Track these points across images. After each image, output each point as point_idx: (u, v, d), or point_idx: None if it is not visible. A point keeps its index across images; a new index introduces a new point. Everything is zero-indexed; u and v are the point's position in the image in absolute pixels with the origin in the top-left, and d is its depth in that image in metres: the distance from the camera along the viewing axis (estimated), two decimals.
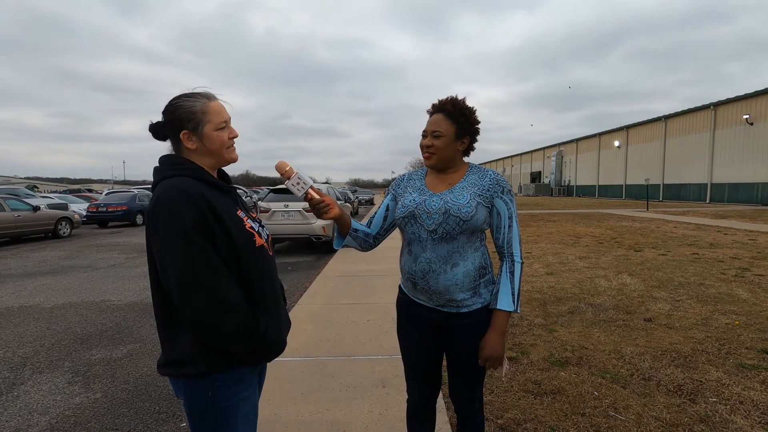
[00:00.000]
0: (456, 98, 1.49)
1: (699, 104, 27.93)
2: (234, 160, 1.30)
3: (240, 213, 1.25)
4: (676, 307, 4.35)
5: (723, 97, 26.05)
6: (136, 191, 18.41)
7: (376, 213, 1.65)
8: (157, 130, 1.26)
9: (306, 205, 9.80)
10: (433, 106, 1.51)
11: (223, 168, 1.35)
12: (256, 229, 1.26)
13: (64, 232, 13.13)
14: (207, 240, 1.11)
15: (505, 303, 1.43)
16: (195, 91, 1.26)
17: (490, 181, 1.47)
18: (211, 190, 1.20)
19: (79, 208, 17.77)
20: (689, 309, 4.29)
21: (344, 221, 1.53)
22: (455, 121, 1.46)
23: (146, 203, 15.44)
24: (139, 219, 16.58)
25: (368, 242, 1.62)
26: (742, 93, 24.61)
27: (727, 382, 2.73)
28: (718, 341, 3.43)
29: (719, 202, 25.30)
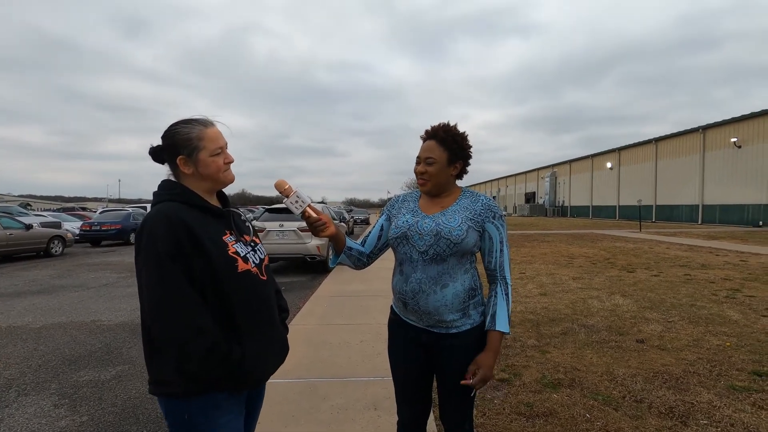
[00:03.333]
0: (447, 125, 1.54)
1: (689, 127, 28.54)
2: (230, 181, 1.33)
3: (228, 237, 1.26)
4: (668, 329, 4.37)
5: (712, 121, 26.65)
6: (130, 210, 18.34)
7: (370, 232, 1.68)
8: (157, 154, 1.30)
9: (301, 224, 9.74)
10: (426, 132, 1.55)
11: (223, 190, 1.38)
12: (242, 254, 1.27)
13: (56, 251, 13.02)
14: (180, 266, 1.13)
15: (502, 325, 1.45)
16: (193, 117, 1.30)
17: (482, 206, 1.51)
18: (200, 214, 1.23)
19: (72, 226, 17.66)
20: (681, 330, 4.31)
21: (340, 240, 1.56)
22: (447, 148, 1.50)
23: (140, 222, 15.49)
24: (133, 238, 16.50)
25: (362, 261, 1.65)
26: (729, 117, 25.22)
27: (719, 405, 2.73)
28: (709, 363, 3.44)
29: (711, 223, 25.57)
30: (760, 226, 21.62)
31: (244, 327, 1.23)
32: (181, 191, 1.25)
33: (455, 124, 1.55)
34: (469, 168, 1.59)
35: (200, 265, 1.17)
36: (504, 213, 1.55)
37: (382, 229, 1.65)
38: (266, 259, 1.40)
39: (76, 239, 15.30)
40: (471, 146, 1.56)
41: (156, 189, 1.29)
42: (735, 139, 24.31)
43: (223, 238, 1.25)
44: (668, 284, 6.70)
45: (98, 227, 16.24)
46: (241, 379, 1.21)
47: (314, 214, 1.39)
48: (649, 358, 3.55)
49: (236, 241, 1.28)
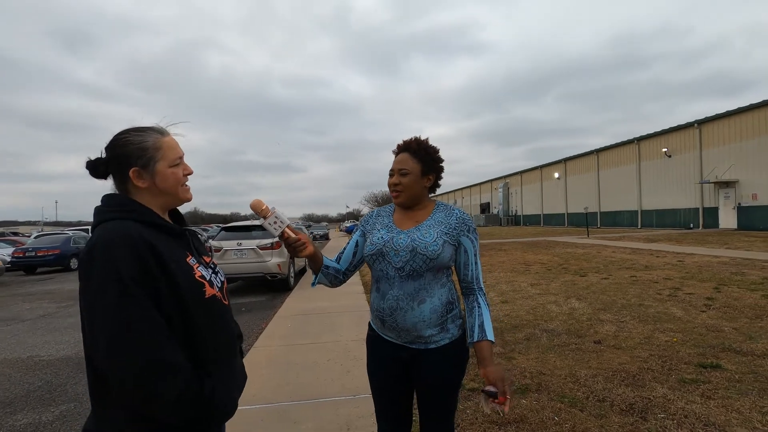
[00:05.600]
0: (420, 138, 1.57)
1: (626, 139, 30.79)
2: (188, 200, 1.22)
3: (190, 260, 1.14)
4: (621, 328, 4.62)
5: (645, 133, 28.91)
6: (70, 233, 17.08)
7: (345, 249, 1.66)
8: (97, 167, 1.14)
9: (260, 242, 9.46)
10: (399, 146, 1.58)
11: (177, 207, 1.26)
12: (208, 278, 1.16)
13: None
14: (148, 292, 1.00)
15: (490, 334, 1.46)
16: (145, 126, 1.17)
17: (457, 219, 1.53)
18: (159, 234, 1.10)
19: (2, 252, 16.14)
20: (633, 329, 4.57)
21: (318, 259, 1.53)
22: (420, 160, 1.53)
23: (83, 246, 14.34)
24: (74, 263, 15.31)
25: (338, 278, 1.63)
26: (660, 129, 27.50)
27: (672, 398, 2.91)
28: (660, 359, 3.66)
29: (649, 227, 27.52)
30: (691, 228, 23.54)
31: (210, 358, 1.11)
32: (136, 207, 1.10)
33: (427, 138, 1.58)
34: (441, 182, 1.62)
35: (167, 292, 1.04)
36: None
37: (357, 245, 1.64)
38: (225, 281, 1.30)
39: (7, 267, 14.01)
40: (443, 159, 1.59)
41: (100, 205, 1.12)
42: (665, 149, 26.50)
43: (187, 260, 1.13)
44: (617, 286, 7.10)
45: (33, 253, 14.98)
46: (210, 417, 1.07)
47: (293, 235, 1.36)
48: (607, 358, 3.73)
49: (199, 264, 1.17)
